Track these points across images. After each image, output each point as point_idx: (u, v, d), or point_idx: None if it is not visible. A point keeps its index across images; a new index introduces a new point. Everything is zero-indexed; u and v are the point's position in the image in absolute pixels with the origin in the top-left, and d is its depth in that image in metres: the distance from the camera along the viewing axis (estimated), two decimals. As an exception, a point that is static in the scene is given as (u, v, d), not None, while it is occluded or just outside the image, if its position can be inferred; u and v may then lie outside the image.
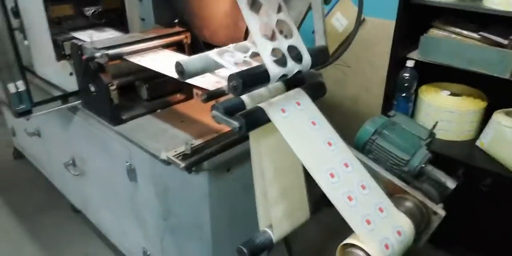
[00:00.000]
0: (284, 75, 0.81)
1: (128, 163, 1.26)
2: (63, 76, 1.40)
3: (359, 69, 1.98)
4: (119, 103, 1.22)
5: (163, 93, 1.38)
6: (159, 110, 1.33)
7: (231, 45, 0.91)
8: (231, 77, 0.77)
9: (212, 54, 0.88)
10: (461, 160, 1.58)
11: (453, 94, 1.72)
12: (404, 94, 1.73)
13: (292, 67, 0.81)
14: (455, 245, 1.77)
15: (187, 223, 1.28)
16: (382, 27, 1.82)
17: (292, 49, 0.82)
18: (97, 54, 1.16)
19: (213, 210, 1.25)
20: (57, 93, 1.40)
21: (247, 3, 0.78)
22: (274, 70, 0.77)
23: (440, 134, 1.68)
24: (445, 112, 1.65)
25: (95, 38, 1.30)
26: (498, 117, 1.54)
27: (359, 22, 1.16)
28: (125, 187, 1.35)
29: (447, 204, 0.90)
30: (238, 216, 1.35)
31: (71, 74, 1.36)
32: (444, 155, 1.59)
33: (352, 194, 0.80)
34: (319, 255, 1.81)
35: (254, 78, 0.78)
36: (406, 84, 1.71)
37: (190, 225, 1.29)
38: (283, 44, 0.81)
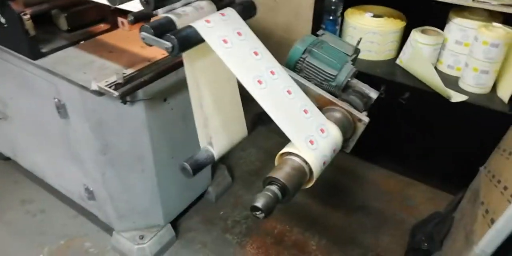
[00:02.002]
0: None
1: (56, 99, 1.19)
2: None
3: (289, -5, 1.97)
4: (36, 35, 1.12)
5: (84, 23, 1.29)
6: (82, 42, 1.25)
7: None
8: None
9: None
10: (383, 77, 1.70)
11: (375, 15, 1.79)
12: (331, 17, 1.78)
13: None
14: (379, 156, 1.97)
15: (128, 156, 1.29)
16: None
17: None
18: (0, -20, 1.03)
19: (154, 140, 1.26)
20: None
21: None
22: None
23: (364, 55, 1.78)
24: (368, 33, 1.73)
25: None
26: (415, 35, 1.65)
27: None
28: (56, 125, 1.30)
29: (371, 120, 0.98)
30: (179, 146, 1.38)
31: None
32: (368, 74, 1.70)
33: (280, 101, 0.84)
34: (258, 174, 1.93)
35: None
36: (333, 7, 1.75)
37: (131, 157, 1.29)
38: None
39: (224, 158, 1.73)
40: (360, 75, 1.11)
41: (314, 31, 1.84)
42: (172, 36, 0.79)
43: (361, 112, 1.01)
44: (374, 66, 1.76)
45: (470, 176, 1.55)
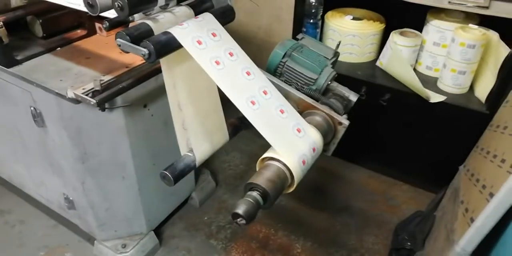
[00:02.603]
0: None
1: (32, 108, 1.17)
2: None
3: (269, -2, 1.98)
4: (9, 43, 1.10)
5: (61, 29, 1.26)
6: (58, 49, 1.23)
7: None
8: None
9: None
10: (364, 79, 1.71)
11: (355, 18, 1.80)
12: (311, 21, 1.79)
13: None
14: (361, 157, 1.99)
15: (108, 164, 1.26)
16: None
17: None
18: (-29, -14, 1.01)
19: (134, 147, 1.24)
20: None
21: None
22: None
23: (344, 57, 1.79)
24: (348, 35, 1.74)
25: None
26: (394, 37, 1.67)
27: None
28: (33, 134, 1.27)
29: (353, 121, 0.99)
30: (161, 152, 1.36)
31: None
32: (349, 76, 1.72)
33: (272, 119, 0.84)
34: (243, 178, 1.93)
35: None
36: (313, 10, 1.76)
37: (111, 165, 1.27)
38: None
39: (207, 162, 1.71)
40: (341, 78, 1.12)
41: (295, 34, 1.85)
42: (149, 42, 0.78)
43: (341, 115, 1.01)
44: (355, 68, 1.78)
45: (451, 175, 1.57)
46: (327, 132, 0.98)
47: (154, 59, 0.79)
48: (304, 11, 1.78)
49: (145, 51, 0.78)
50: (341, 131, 1.00)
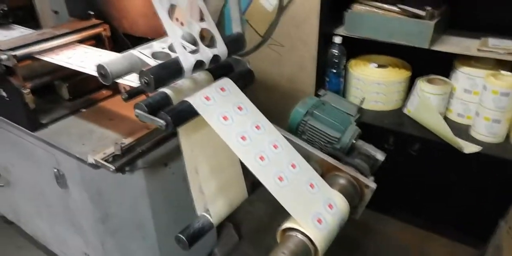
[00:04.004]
0: (199, 64, 0.79)
1: (56, 170, 1.18)
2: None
3: (292, 47, 1.99)
4: (36, 107, 1.13)
5: (86, 91, 1.30)
6: (83, 110, 1.25)
7: (153, 42, 0.87)
8: (141, 73, 0.73)
9: (137, 52, 0.83)
10: (391, 128, 1.64)
11: (380, 66, 1.77)
12: (334, 70, 1.77)
13: (207, 55, 0.80)
14: (393, 208, 1.88)
15: (128, 224, 1.25)
16: (309, 4, 1.82)
17: (206, 38, 0.80)
18: (3, 56, 1.06)
19: (154, 207, 1.22)
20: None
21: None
22: (186, 60, 0.76)
23: (370, 106, 1.75)
24: (373, 84, 1.71)
25: (1, 38, 1.18)
26: (421, 84, 1.62)
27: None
28: (56, 194, 1.27)
29: (382, 172, 0.93)
30: (182, 210, 1.32)
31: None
32: (375, 126, 1.66)
33: (282, 174, 0.80)
34: (267, 230, 1.84)
35: (166, 71, 0.76)
36: (335, 60, 1.74)
37: (131, 225, 1.25)
38: (195, 29, 0.79)
39: (229, 214, 1.67)
40: (367, 127, 1.07)
41: (318, 83, 1.83)
42: (166, 114, 0.77)
43: (367, 176, 0.96)
44: (381, 117, 1.72)
45: (491, 228, 1.45)
46: (353, 196, 0.92)
47: (172, 129, 0.79)
48: (327, 61, 1.77)
49: (162, 122, 0.77)
50: (368, 194, 0.94)
